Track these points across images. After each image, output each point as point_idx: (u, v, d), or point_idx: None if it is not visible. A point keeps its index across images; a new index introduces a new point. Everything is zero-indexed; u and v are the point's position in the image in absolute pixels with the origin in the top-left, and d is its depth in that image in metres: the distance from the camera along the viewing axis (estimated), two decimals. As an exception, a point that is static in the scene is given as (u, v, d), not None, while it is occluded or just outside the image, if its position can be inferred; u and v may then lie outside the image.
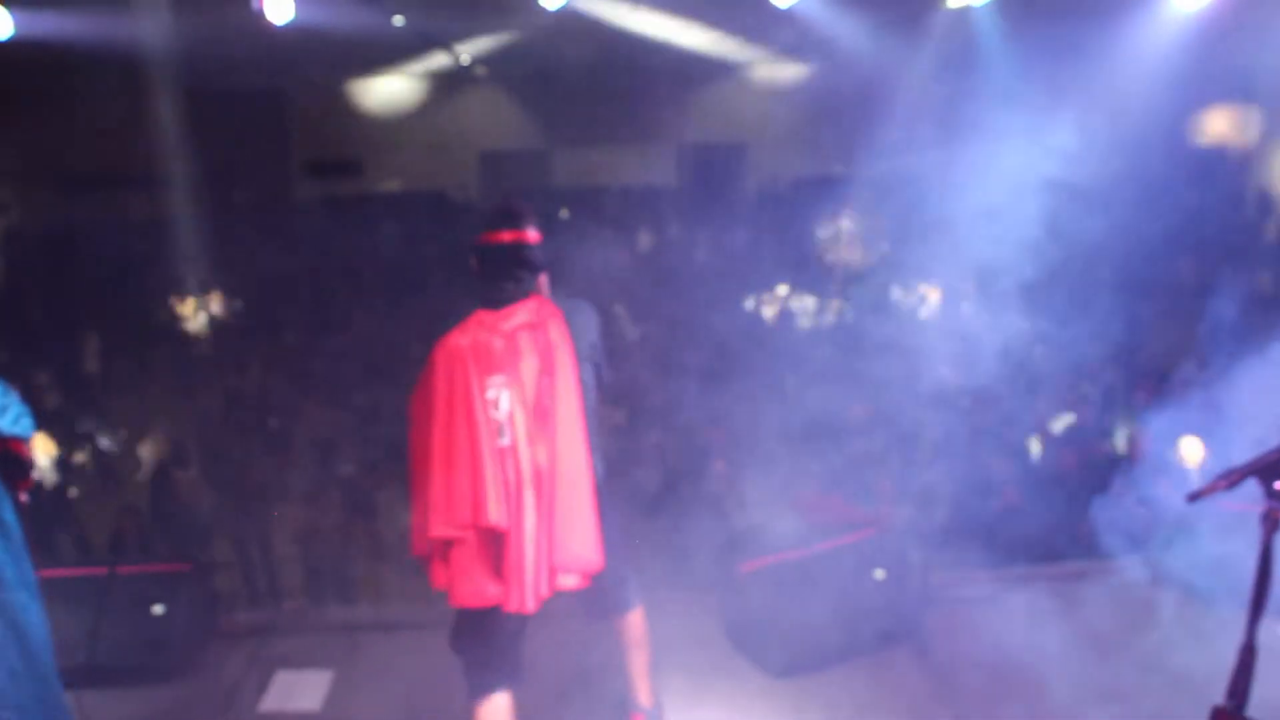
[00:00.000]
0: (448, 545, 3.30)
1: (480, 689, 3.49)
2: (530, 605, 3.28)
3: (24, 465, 3.56)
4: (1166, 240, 6.68)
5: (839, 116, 12.25)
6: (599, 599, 3.76)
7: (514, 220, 3.48)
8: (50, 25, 6.40)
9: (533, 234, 3.49)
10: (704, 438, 6.95)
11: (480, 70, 15.29)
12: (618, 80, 14.74)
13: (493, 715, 3.50)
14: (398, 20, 11.79)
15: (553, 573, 3.32)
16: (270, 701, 4.41)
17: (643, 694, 3.99)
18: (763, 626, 4.57)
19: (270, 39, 8.86)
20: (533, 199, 14.51)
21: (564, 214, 14.06)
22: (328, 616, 5.12)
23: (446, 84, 15.97)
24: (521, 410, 3.29)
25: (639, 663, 3.95)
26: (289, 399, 10.05)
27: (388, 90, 16.19)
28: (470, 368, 3.27)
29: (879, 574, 4.78)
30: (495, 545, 3.29)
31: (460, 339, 3.33)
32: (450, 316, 3.39)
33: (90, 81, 13.87)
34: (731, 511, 6.49)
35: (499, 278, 3.43)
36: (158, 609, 4.69)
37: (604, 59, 13.93)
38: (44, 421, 7.57)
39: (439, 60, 14.84)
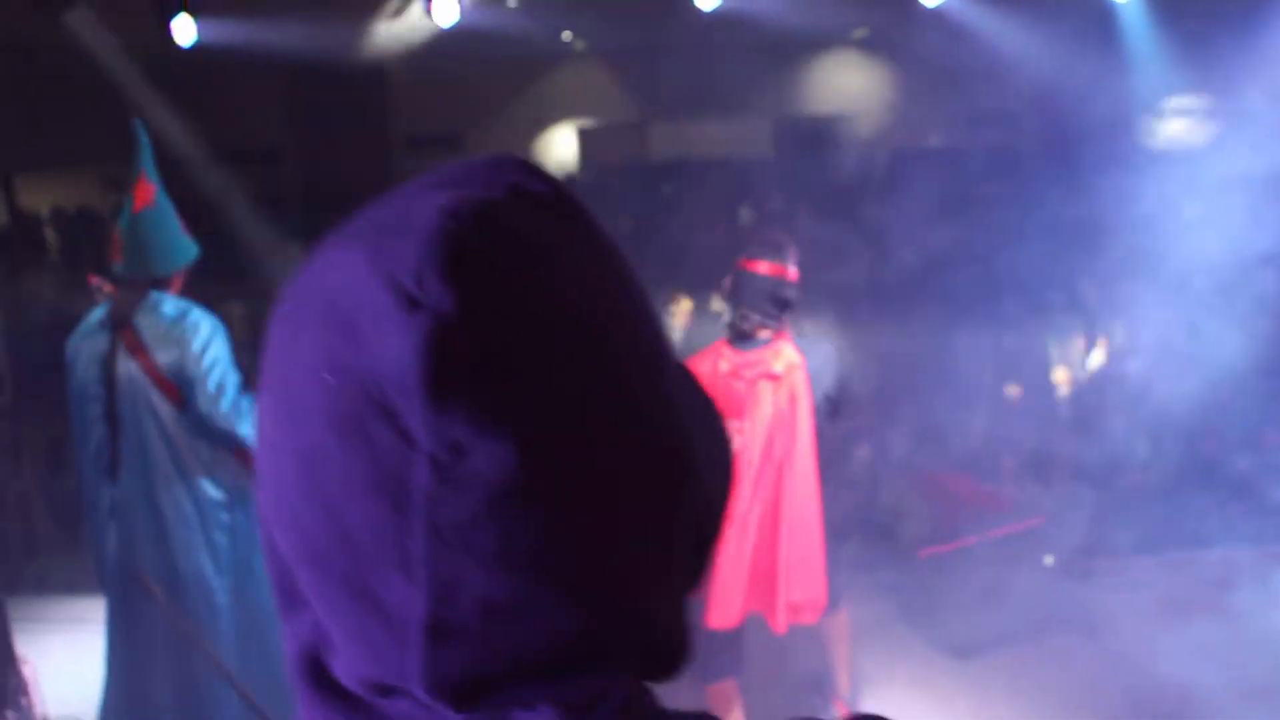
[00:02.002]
0: None
1: (708, 674, 3.79)
2: (728, 622, 3.59)
3: None
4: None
5: (949, 88, 12.19)
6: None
7: (776, 252, 3.52)
8: (227, 32, 6.95)
9: (793, 271, 3.51)
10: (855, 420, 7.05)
11: (580, 45, 15.45)
12: (716, 52, 14.77)
13: (723, 697, 3.80)
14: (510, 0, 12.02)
15: (780, 607, 3.61)
16: None
17: (844, 682, 4.25)
18: (942, 610, 4.80)
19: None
20: (630, 173, 14.65)
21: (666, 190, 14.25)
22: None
23: (545, 57, 16.08)
24: (750, 457, 3.42)
25: (842, 655, 4.20)
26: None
27: (487, 64, 16.24)
28: None
29: (1048, 560, 4.99)
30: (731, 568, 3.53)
31: (700, 372, 3.48)
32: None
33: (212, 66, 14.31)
34: (884, 491, 6.67)
35: (750, 308, 3.48)
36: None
37: (705, 33, 13.95)
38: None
39: (541, 35, 14.88)
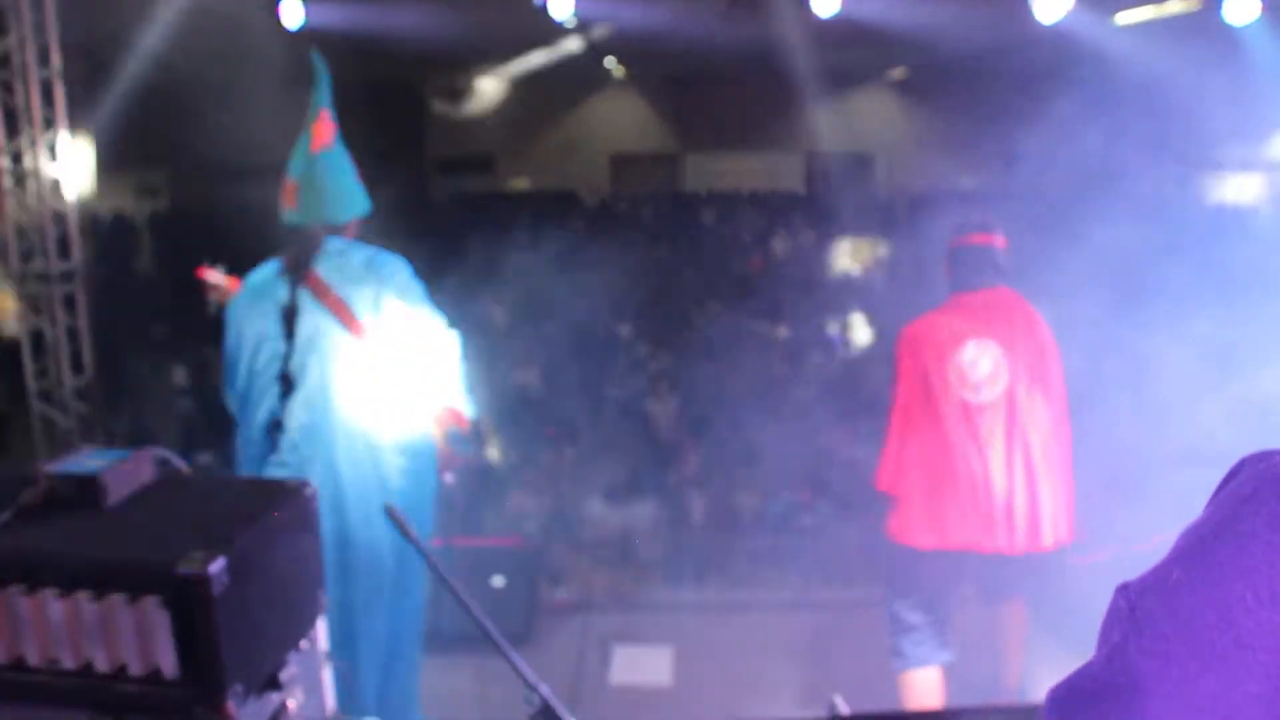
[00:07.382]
0: (914, 494, 3.54)
1: (913, 660, 3.71)
2: (1008, 545, 3.49)
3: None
4: None
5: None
6: (1006, 580, 3.91)
7: (984, 227, 3.69)
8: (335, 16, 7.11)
9: (1000, 239, 3.67)
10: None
11: (618, 71, 15.51)
12: (752, 85, 14.88)
13: (924, 685, 3.71)
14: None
15: (1035, 528, 3.52)
16: (618, 675, 4.65)
17: (1013, 676, 4.19)
18: (1089, 619, 4.74)
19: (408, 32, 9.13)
20: (662, 202, 14.62)
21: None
22: (645, 596, 5.33)
23: (580, 83, 16.11)
24: (1008, 369, 3.49)
25: (1015, 646, 4.14)
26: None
27: (521, 87, 16.26)
28: (940, 334, 3.51)
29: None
30: (971, 492, 3.48)
31: (933, 315, 3.58)
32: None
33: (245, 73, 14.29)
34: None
35: (970, 274, 3.64)
36: (498, 581, 4.91)
37: (744, 65, 14.04)
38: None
39: (578, 58, 14.81)
